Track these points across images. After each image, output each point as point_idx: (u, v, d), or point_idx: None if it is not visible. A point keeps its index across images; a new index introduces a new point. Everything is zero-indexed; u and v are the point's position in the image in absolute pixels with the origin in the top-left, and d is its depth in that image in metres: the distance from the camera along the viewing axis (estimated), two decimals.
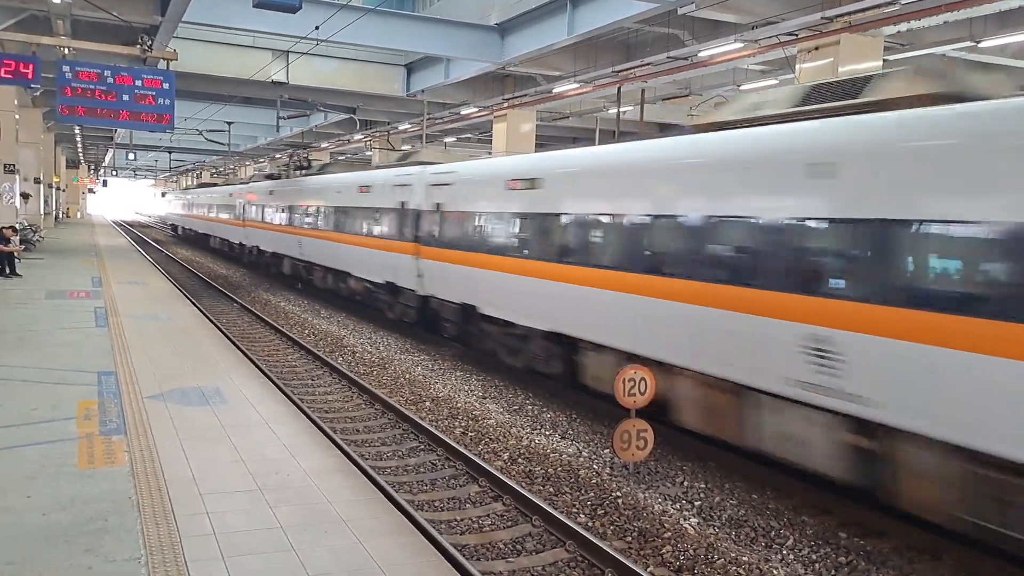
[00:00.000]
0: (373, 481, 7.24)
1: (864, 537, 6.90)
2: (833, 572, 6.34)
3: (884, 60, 14.28)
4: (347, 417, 10.39)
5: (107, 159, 64.50)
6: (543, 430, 9.95)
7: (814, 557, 6.58)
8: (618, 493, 7.83)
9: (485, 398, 11.50)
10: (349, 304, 19.97)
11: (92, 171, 76.11)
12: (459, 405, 11.05)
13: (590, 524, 7.10)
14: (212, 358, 10.42)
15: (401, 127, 31.11)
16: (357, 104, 26.08)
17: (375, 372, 13.08)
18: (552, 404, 11.12)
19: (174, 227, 58.07)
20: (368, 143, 35.48)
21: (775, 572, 6.29)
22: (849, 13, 12.67)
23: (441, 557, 4.93)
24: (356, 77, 22.45)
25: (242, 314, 18.83)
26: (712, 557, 6.51)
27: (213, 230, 37.57)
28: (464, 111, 25.60)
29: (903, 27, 13.17)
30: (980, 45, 14.27)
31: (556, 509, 7.18)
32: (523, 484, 7.94)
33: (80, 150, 53.86)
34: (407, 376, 12.79)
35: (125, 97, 13.69)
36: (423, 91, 22.53)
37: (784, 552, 6.66)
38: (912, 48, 15.25)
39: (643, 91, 18.47)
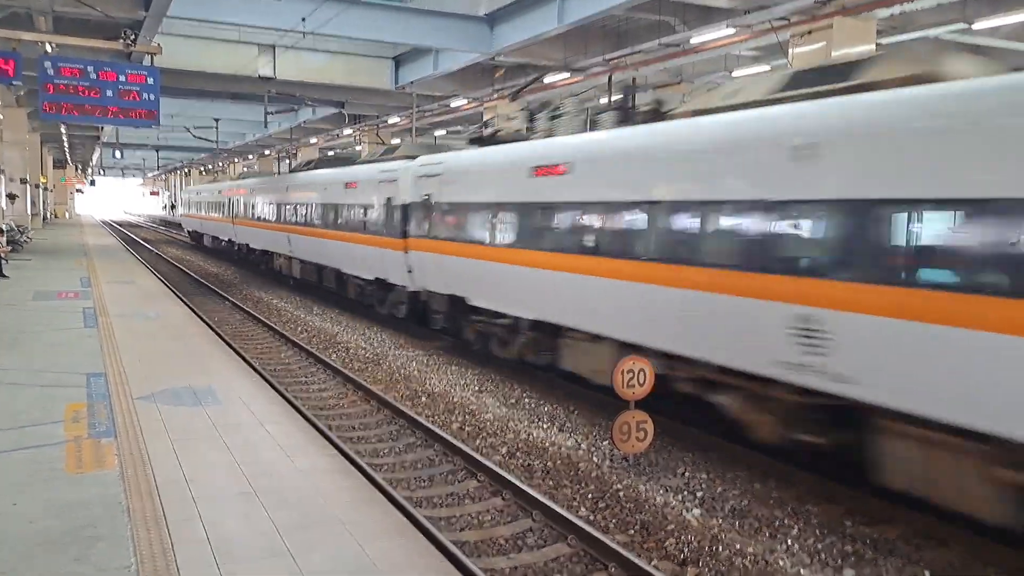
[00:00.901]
0: (371, 480, 7.11)
1: (870, 525, 6.81)
2: (839, 561, 6.25)
3: (877, 44, 14.17)
4: (342, 414, 10.25)
5: (94, 158, 63.98)
6: (541, 423, 9.83)
7: (819, 547, 6.49)
8: (619, 486, 7.72)
9: (482, 392, 11.37)
10: (342, 300, 19.76)
11: (79, 171, 75.50)
12: (455, 400, 10.92)
13: (591, 518, 7.00)
14: (204, 357, 10.25)
15: (390, 120, 30.89)
16: (345, 98, 25.84)
17: (370, 368, 12.94)
18: (550, 397, 11.00)
19: (195, 235, 41.67)
20: (358, 137, 35.24)
21: (780, 562, 6.20)
22: None
23: (443, 558, 4.81)
24: (344, 70, 22.20)
25: (234, 312, 18.64)
26: (716, 549, 6.41)
27: (299, 249, 21.50)
28: (454, 103, 25.41)
29: (896, 10, 13.05)
30: (973, 27, 14.18)
31: (557, 503, 7.06)
32: (522, 478, 7.83)
33: (67, 149, 53.35)
34: (402, 372, 12.65)
35: (109, 93, 13.45)
36: (412, 83, 22.31)
37: (789, 542, 6.57)
38: (905, 31, 15.13)
39: (634, 79, 18.30)
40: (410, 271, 14.32)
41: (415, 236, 13.95)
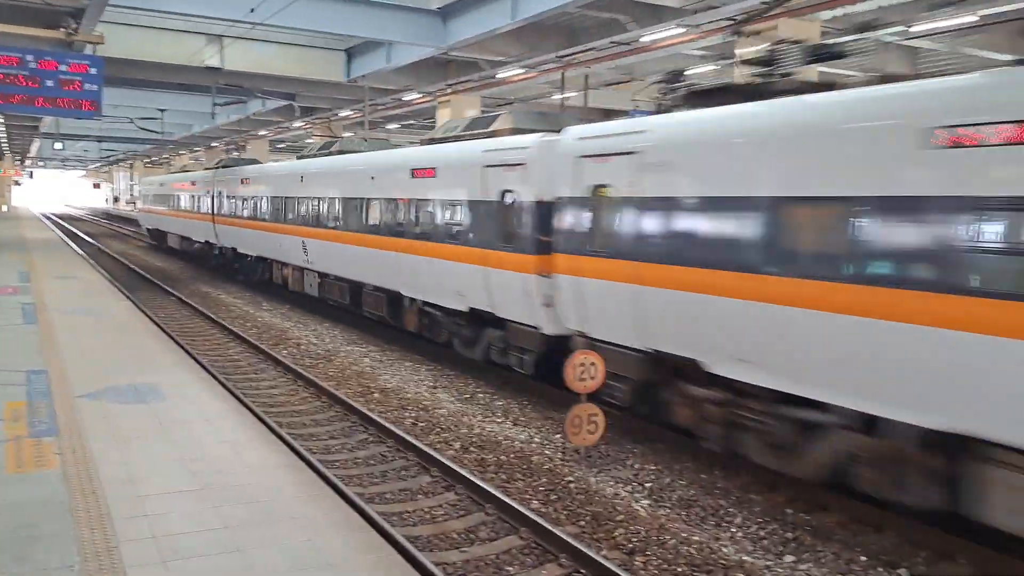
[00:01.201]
0: (322, 476, 7.09)
1: (809, 512, 7.06)
2: (780, 548, 6.47)
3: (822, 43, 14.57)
4: (293, 411, 10.16)
5: (33, 149, 61.74)
6: (495, 417, 9.90)
7: (762, 534, 6.70)
8: (570, 478, 7.84)
9: (435, 388, 11.38)
10: (292, 295, 19.50)
11: (18, 162, 72.73)
12: (409, 395, 10.92)
13: (543, 510, 7.09)
14: (149, 354, 10.04)
15: (342, 113, 30.56)
16: (296, 90, 25.46)
17: (321, 365, 12.84)
18: (504, 391, 11.07)
19: (156, 234, 34.99)
20: (308, 131, 34.76)
21: (724, 549, 6.39)
22: None
23: (393, 551, 4.84)
24: (295, 62, 21.84)
25: (180, 308, 18.26)
26: (664, 538, 6.57)
27: (321, 259, 16.81)
28: (406, 97, 25.26)
29: (839, 11, 13.46)
30: (911, 29, 14.68)
31: (509, 496, 7.14)
32: (475, 472, 7.89)
33: (4, 140, 51.34)
34: (354, 368, 12.58)
35: (49, 83, 12.98)
36: (364, 76, 22.10)
37: (733, 530, 6.77)
38: (847, 32, 15.58)
39: (587, 77, 18.49)
40: (548, 304, 9.74)
41: (569, 251, 9.21)
